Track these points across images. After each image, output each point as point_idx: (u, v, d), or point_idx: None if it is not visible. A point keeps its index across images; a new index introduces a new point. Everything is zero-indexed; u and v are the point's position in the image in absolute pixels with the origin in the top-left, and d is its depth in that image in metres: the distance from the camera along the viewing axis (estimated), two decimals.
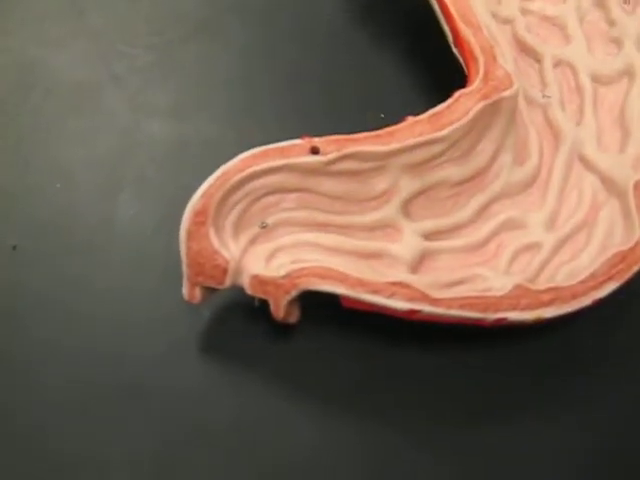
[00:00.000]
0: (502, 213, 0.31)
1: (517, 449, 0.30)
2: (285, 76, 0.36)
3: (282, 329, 0.31)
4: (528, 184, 0.31)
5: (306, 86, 0.36)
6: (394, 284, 0.28)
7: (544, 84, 0.32)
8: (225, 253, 0.28)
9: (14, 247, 0.33)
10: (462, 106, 0.29)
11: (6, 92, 0.36)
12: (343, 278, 0.28)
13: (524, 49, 0.32)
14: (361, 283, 0.28)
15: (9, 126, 0.35)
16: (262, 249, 0.29)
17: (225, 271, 0.28)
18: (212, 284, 0.29)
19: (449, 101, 0.30)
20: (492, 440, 0.30)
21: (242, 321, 0.31)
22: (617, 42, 0.32)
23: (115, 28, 0.38)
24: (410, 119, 0.29)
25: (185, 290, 0.29)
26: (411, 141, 0.29)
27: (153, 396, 0.30)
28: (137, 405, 0.30)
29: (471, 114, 0.29)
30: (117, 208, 0.34)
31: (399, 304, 0.28)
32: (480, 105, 0.29)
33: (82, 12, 0.38)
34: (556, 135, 0.31)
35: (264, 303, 0.29)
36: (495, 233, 0.30)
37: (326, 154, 0.29)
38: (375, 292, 0.28)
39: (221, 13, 0.38)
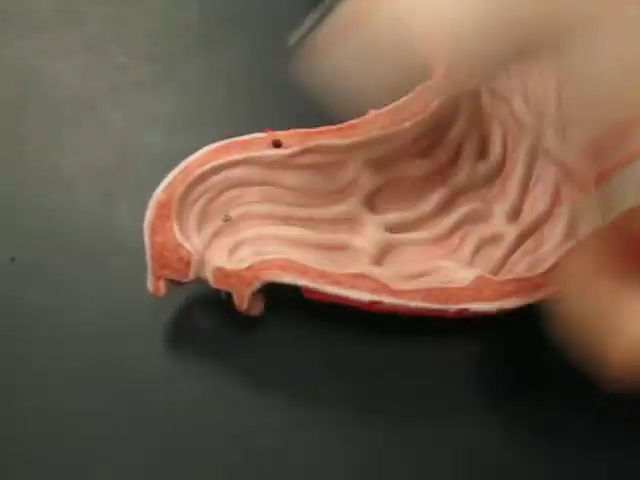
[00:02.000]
0: (465, 206, 0.31)
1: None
2: (286, 88, 0.36)
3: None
4: (492, 177, 0.31)
5: (302, 99, 0.35)
6: (355, 276, 0.28)
7: (508, 77, 0.32)
8: (188, 246, 0.29)
9: (12, 259, 0.33)
10: (423, 100, 0.30)
11: (5, 103, 0.36)
12: (305, 270, 0.28)
13: None
14: (322, 275, 0.28)
15: (7, 137, 0.35)
16: (225, 242, 0.29)
17: (188, 264, 0.29)
18: (176, 277, 0.29)
19: (411, 95, 0.30)
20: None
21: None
22: None
23: (114, 40, 0.38)
24: (372, 112, 0.30)
25: (150, 283, 0.29)
26: (373, 134, 0.29)
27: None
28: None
29: (432, 108, 0.29)
30: (116, 219, 0.34)
31: (360, 295, 0.28)
32: (441, 99, 0.30)
33: (81, 23, 0.38)
34: (520, 128, 0.31)
35: (230, 296, 0.29)
36: (458, 225, 0.31)
37: (288, 147, 0.29)
38: (336, 283, 0.28)
39: (221, 25, 0.38)
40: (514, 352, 0.31)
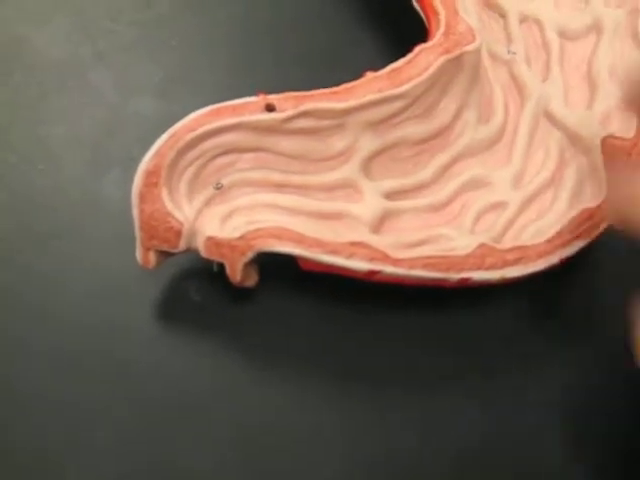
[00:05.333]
0: (466, 172, 0.30)
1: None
2: (274, 52, 0.35)
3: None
4: (493, 142, 0.30)
5: (296, 60, 0.35)
6: (353, 244, 0.27)
7: (509, 40, 0.31)
8: (179, 215, 0.27)
9: None
10: (423, 61, 0.28)
11: None
12: (300, 239, 0.27)
13: (488, 4, 0.31)
14: (319, 244, 0.27)
15: None
16: (217, 210, 0.28)
17: (179, 233, 0.27)
18: (166, 247, 0.28)
19: (409, 56, 0.29)
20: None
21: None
22: None
23: (99, 4, 0.37)
24: (369, 74, 0.29)
25: (139, 255, 0.28)
26: (370, 97, 0.28)
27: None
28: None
29: (432, 69, 0.28)
30: (104, 189, 0.33)
31: (359, 265, 0.27)
32: (441, 60, 0.28)
33: None
34: (521, 92, 0.30)
35: (222, 267, 0.28)
36: (459, 192, 0.29)
37: (282, 111, 0.28)
38: (333, 253, 0.27)
39: None
40: (514, 322, 0.30)
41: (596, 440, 0.29)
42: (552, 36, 0.31)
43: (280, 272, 0.29)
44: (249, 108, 0.28)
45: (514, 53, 0.30)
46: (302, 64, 0.34)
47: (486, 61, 0.30)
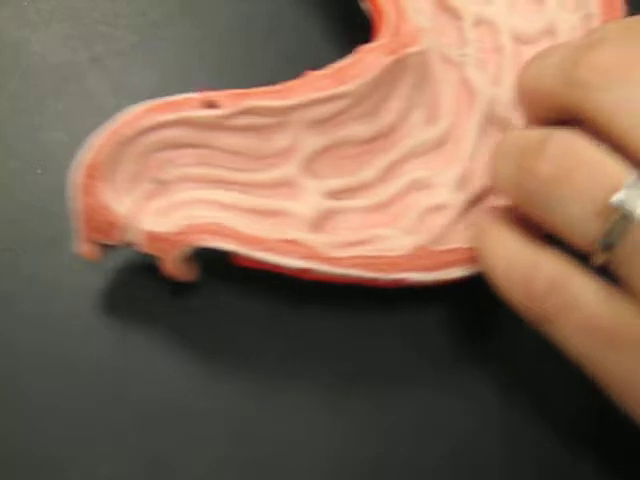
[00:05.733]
0: (410, 173, 0.29)
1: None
2: (273, 52, 0.36)
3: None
4: (440, 144, 0.29)
5: (296, 60, 0.35)
6: (288, 242, 0.27)
7: (463, 42, 0.30)
8: (117, 209, 0.28)
9: None
10: (366, 61, 0.28)
11: None
12: (235, 235, 0.27)
13: (444, 6, 0.31)
14: (254, 240, 0.27)
15: None
16: (156, 205, 0.28)
17: (117, 227, 0.28)
18: (104, 240, 0.28)
19: (353, 56, 0.29)
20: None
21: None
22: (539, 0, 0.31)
23: (96, 9, 0.37)
24: (311, 74, 0.28)
25: (79, 247, 0.28)
26: (311, 96, 0.28)
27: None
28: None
29: (375, 70, 0.28)
30: None
31: (290, 262, 0.27)
32: (385, 60, 0.28)
33: None
34: (471, 95, 0.30)
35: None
36: (402, 193, 0.29)
37: (222, 108, 0.28)
38: (267, 250, 0.27)
39: None
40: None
41: (597, 438, 0.29)
42: (506, 40, 0.30)
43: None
44: (189, 104, 0.28)
45: (465, 55, 0.30)
46: (302, 64, 0.34)
47: (436, 62, 0.30)
